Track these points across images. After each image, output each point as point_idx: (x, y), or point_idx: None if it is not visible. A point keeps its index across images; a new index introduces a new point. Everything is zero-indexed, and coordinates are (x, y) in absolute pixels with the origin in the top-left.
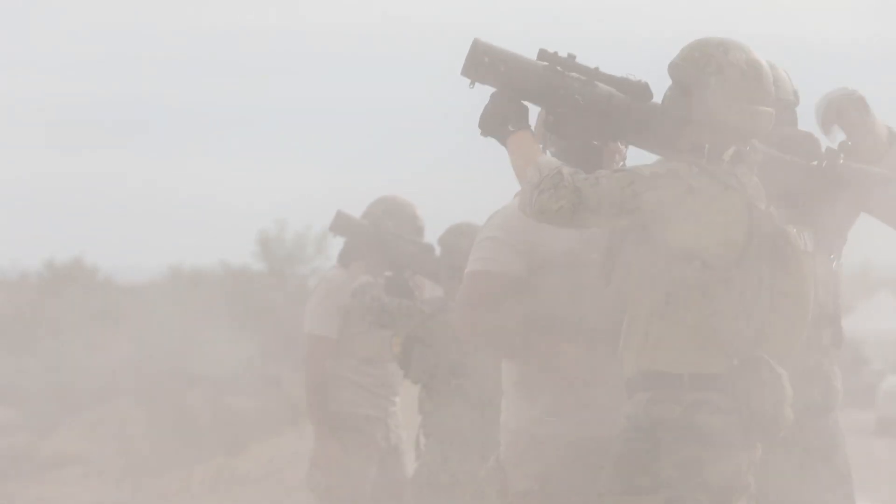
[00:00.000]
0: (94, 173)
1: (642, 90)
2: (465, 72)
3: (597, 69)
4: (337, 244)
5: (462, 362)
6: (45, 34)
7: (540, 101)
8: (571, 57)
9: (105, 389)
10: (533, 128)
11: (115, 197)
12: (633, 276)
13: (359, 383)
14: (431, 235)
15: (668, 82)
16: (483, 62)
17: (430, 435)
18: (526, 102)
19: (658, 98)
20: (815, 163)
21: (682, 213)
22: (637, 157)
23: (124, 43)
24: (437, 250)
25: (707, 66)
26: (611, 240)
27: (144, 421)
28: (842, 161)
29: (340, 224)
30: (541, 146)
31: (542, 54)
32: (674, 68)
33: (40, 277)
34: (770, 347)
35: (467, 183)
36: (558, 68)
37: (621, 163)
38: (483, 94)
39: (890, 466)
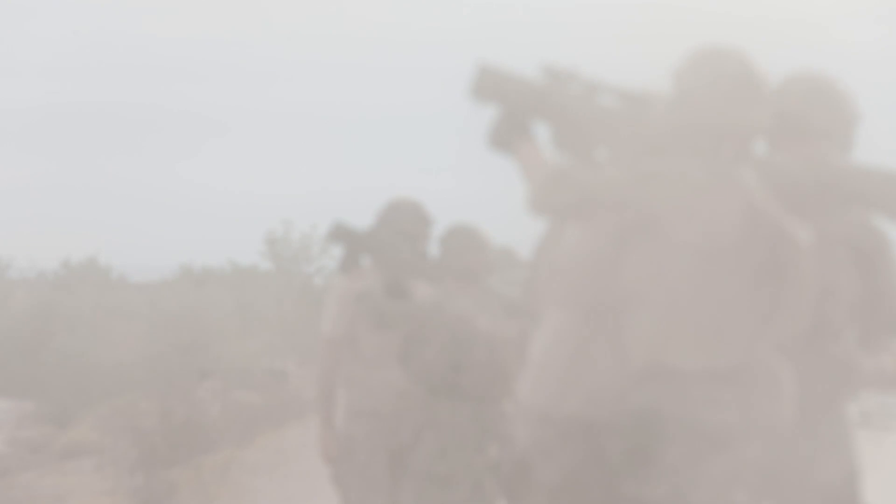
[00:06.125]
0: (107, 177)
1: (642, 99)
2: (471, 94)
3: (597, 81)
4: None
5: (460, 359)
6: (52, 38)
7: (543, 117)
8: (573, 71)
9: (119, 383)
10: (541, 141)
11: (128, 199)
12: (640, 270)
13: (365, 381)
14: (433, 237)
15: (663, 70)
16: (487, 85)
17: (430, 429)
18: (532, 117)
19: (659, 101)
20: (814, 160)
21: (684, 209)
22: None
23: (126, 48)
24: (438, 251)
25: (705, 74)
26: (618, 233)
27: (156, 413)
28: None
29: (336, 233)
30: (548, 158)
31: (545, 70)
32: (673, 77)
33: (57, 276)
34: (772, 343)
35: (472, 185)
36: (559, 84)
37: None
38: (489, 102)
39: (873, 457)
